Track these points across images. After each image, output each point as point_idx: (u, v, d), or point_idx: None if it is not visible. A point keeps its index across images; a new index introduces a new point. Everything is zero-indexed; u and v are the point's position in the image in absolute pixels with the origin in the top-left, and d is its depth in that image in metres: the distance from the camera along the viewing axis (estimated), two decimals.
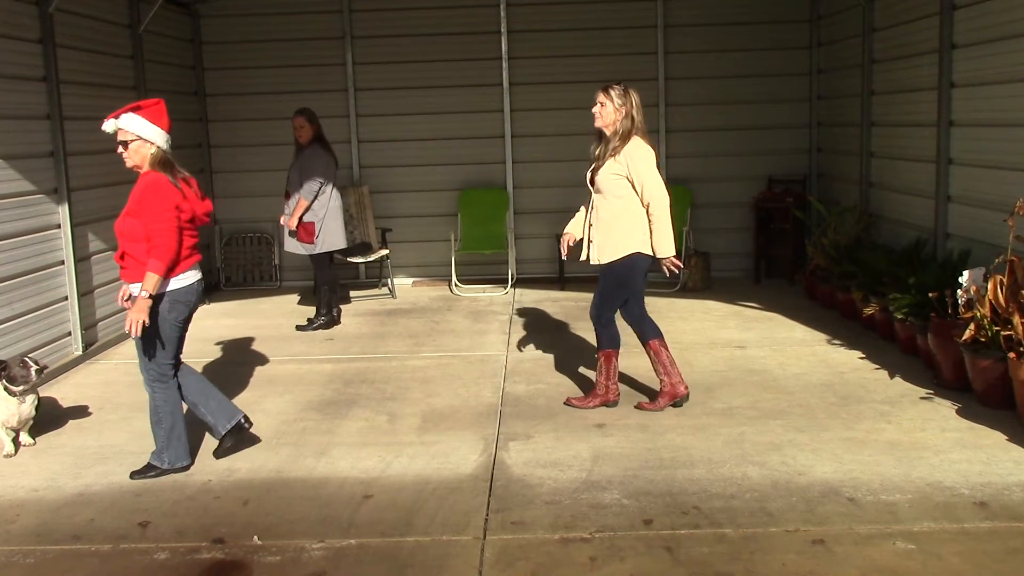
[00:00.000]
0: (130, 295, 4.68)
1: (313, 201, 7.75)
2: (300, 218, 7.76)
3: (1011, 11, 6.17)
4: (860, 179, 8.81)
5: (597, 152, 5.49)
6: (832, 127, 9.76)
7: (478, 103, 10.07)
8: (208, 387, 5.00)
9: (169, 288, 4.62)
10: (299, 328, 8.04)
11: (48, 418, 5.59)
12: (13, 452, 5.15)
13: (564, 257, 6.02)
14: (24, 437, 5.29)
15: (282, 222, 7.96)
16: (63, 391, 6.30)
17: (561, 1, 9.96)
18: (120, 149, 4.64)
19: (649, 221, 5.35)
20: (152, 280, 4.49)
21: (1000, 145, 6.35)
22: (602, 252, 5.48)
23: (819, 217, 9.13)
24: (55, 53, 6.94)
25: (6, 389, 5.09)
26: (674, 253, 5.38)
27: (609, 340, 5.63)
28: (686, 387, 5.64)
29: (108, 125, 4.62)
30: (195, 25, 9.94)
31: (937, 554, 3.75)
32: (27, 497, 4.60)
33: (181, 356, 4.93)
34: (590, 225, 5.53)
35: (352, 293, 9.71)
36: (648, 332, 5.60)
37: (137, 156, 4.63)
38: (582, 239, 5.64)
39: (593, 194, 5.50)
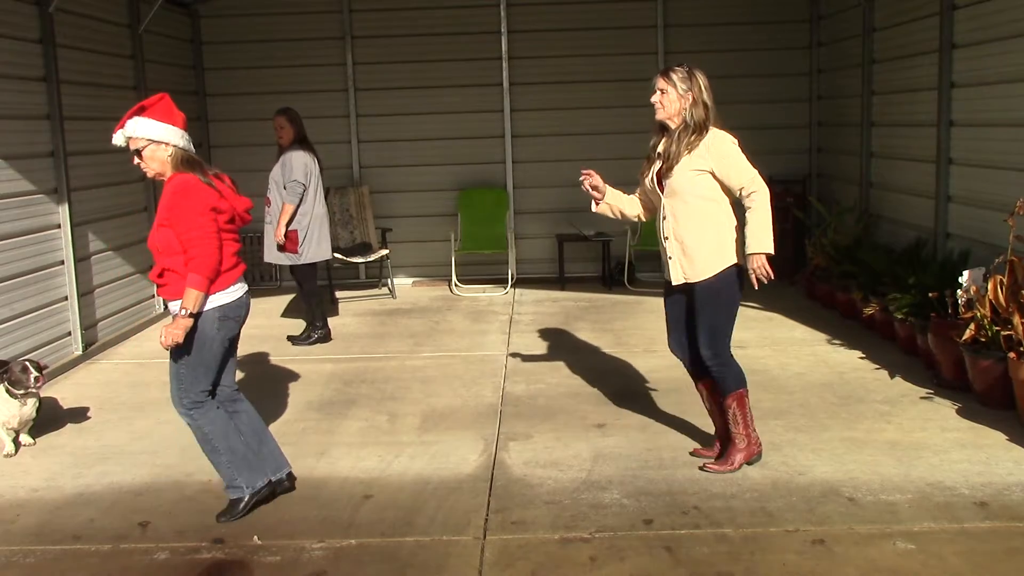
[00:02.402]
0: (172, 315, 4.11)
1: (298, 206, 7.23)
2: (287, 225, 7.23)
3: (1011, 11, 6.17)
4: (860, 179, 8.81)
5: (663, 149, 4.49)
6: (832, 127, 9.76)
7: (478, 103, 10.08)
8: (262, 429, 4.46)
9: (217, 303, 4.04)
10: (292, 340, 7.59)
11: (48, 418, 5.59)
12: (13, 452, 5.15)
13: (587, 184, 4.68)
14: (24, 437, 5.29)
15: (274, 235, 7.30)
16: (63, 391, 6.30)
17: (561, 1, 9.96)
18: (136, 160, 4.11)
19: (747, 212, 4.42)
20: (192, 296, 3.93)
21: (1000, 145, 6.35)
22: (695, 268, 4.47)
23: (819, 217, 9.13)
24: (55, 53, 6.94)
25: (8, 391, 5.09)
26: (771, 250, 4.37)
27: (736, 379, 4.61)
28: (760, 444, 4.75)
29: (117, 138, 4.09)
30: (195, 25, 9.94)
31: (937, 554, 3.75)
32: (27, 497, 4.60)
33: (234, 381, 4.40)
34: (666, 238, 4.52)
35: (352, 293, 9.71)
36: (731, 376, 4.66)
37: (155, 162, 4.07)
38: (606, 203, 4.71)
39: (664, 200, 4.48)
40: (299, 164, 7.21)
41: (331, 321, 8.28)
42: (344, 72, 10.06)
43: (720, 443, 4.77)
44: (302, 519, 4.26)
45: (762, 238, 4.37)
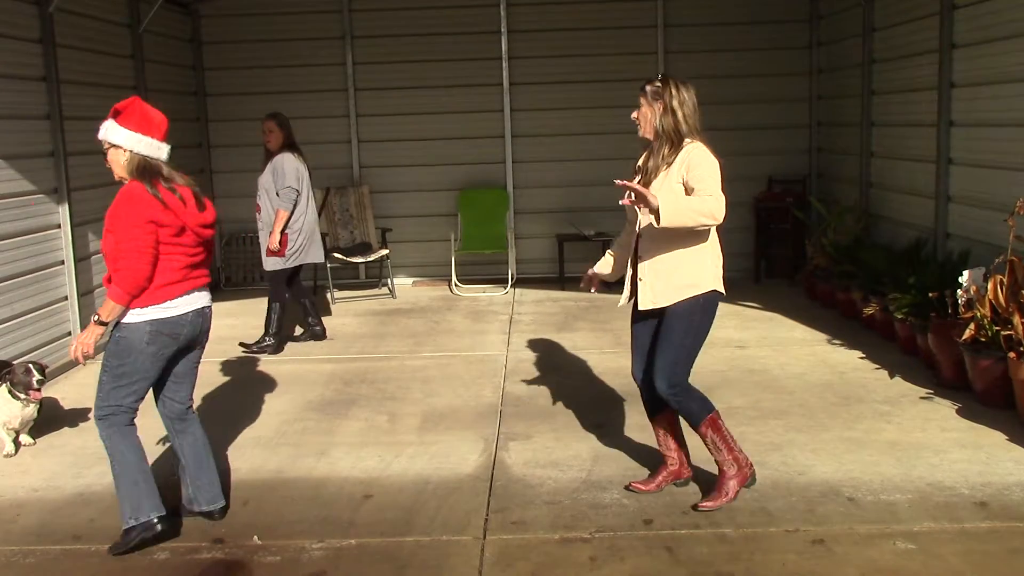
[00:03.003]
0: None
1: (293, 211, 7.11)
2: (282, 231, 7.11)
3: (1011, 11, 6.18)
4: (860, 179, 8.81)
5: (641, 163, 4.23)
6: (832, 127, 9.76)
7: (478, 103, 10.07)
8: (205, 458, 4.28)
9: (149, 317, 3.88)
10: (243, 347, 7.34)
11: (48, 418, 5.59)
12: (13, 452, 5.15)
13: (592, 291, 4.77)
14: (24, 437, 5.29)
15: (268, 242, 7.17)
16: (63, 391, 6.30)
17: (561, 1, 9.95)
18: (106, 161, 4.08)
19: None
20: (108, 308, 3.81)
21: (1000, 145, 6.36)
22: (667, 291, 4.11)
23: (819, 217, 9.14)
24: (55, 53, 6.94)
25: (10, 392, 5.09)
26: (661, 213, 3.78)
27: (700, 405, 4.21)
28: (751, 465, 4.38)
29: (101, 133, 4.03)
30: (195, 25, 9.95)
31: (937, 554, 3.75)
32: (27, 497, 4.60)
33: (190, 401, 4.25)
34: (640, 258, 4.18)
35: (352, 293, 9.71)
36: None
37: (116, 166, 3.99)
38: (619, 279, 4.48)
39: (640, 217, 4.12)
40: (291, 169, 7.08)
41: (329, 321, 8.27)
42: (344, 72, 10.06)
43: (664, 470, 4.45)
44: (302, 519, 4.26)
45: (675, 204, 3.86)
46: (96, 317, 3.87)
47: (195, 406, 4.36)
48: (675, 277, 4.10)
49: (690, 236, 4.05)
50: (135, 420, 4.04)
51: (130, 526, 3.97)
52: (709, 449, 4.27)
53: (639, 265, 4.19)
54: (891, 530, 3.97)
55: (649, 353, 4.27)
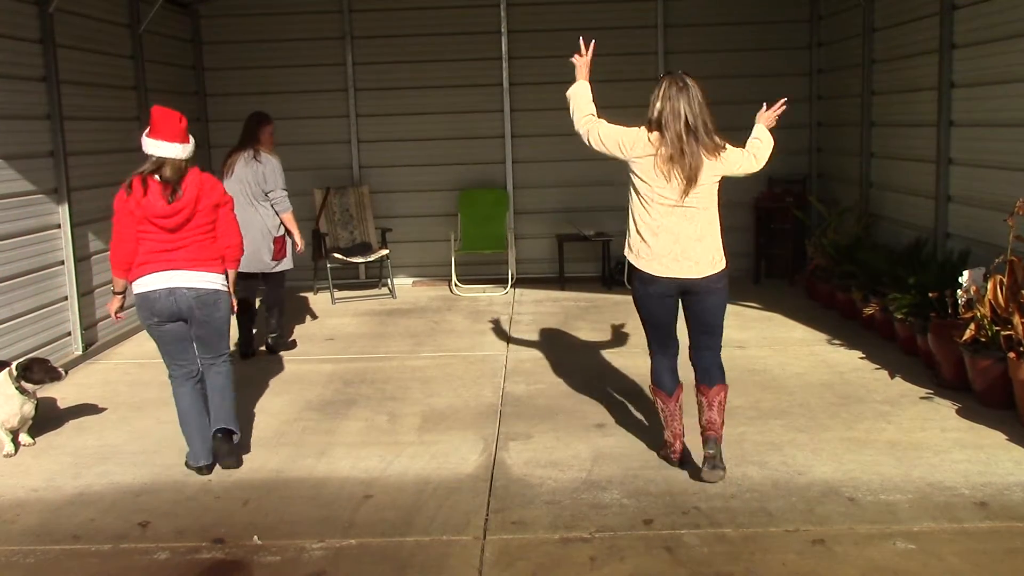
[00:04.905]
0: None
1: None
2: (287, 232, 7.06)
3: (1011, 11, 6.17)
4: (860, 179, 8.81)
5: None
6: (832, 127, 9.76)
7: (478, 103, 10.08)
8: (202, 414, 4.89)
9: (136, 290, 4.68)
10: (271, 349, 7.29)
11: (48, 418, 5.59)
12: (13, 452, 5.15)
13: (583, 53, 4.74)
14: (24, 437, 5.29)
15: (298, 248, 7.12)
16: (63, 391, 6.29)
17: (561, 1, 9.96)
18: None
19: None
20: (112, 276, 4.78)
21: (1000, 145, 6.35)
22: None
23: (819, 217, 9.14)
24: (55, 53, 6.94)
25: (20, 388, 5.10)
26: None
27: (652, 372, 4.75)
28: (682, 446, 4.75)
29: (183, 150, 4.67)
30: (195, 25, 9.94)
31: (937, 554, 3.75)
32: (27, 497, 4.60)
33: (208, 355, 4.87)
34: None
35: (352, 293, 9.71)
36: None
37: None
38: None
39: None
40: (281, 171, 6.97)
41: (332, 321, 8.29)
42: (344, 72, 10.06)
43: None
44: (302, 519, 4.26)
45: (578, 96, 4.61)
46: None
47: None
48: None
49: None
50: (191, 377, 4.84)
51: (186, 462, 4.88)
52: (717, 410, 4.55)
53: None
54: (891, 530, 3.97)
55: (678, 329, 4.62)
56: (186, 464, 4.87)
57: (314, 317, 8.67)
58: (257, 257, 6.85)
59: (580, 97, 4.64)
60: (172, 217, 4.61)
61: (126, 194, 4.59)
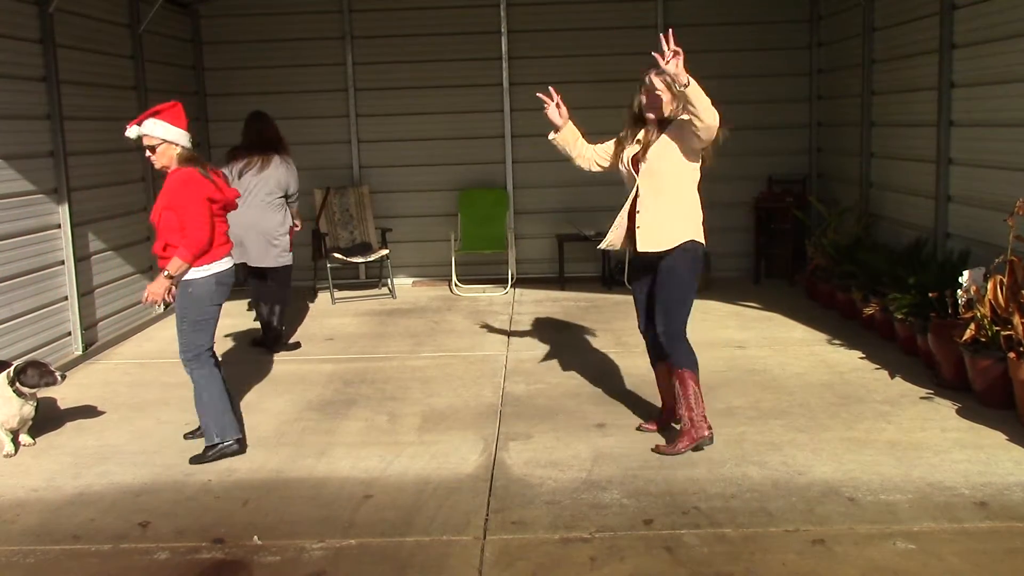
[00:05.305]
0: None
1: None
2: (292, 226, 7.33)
3: (1011, 11, 6.17)
4: (860, 179, 8.81)
5: (643, 140, 4.91)
6: (832, 127, 9.76)
7: (478, 103, 10.07)
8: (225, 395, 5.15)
9: (212, 271, 4.91)
10: (276, 348, 7.36)
11: (48, 418, 5.59)
12: (13, 452, 5.15)
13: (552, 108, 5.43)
14: (24, 437, 5.29)
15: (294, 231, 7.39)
16: (63, 391, 6.27)
17: (561, 1, 9.96)
18: (148, 153, 4.97)
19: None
20: (176, 264, 4.79)
21: (1000, 145, 6.35)
22: (654, 240, 4.76)
23: (819, 217, 9.13)
24: (55, 53, 6.93)
25: (16, 391, 5.09)
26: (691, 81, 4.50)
27: (687, 358, 4.83)
28: (710, 428, 4.92)
29: (131, 131, 4.90)
30: (195, 25, 9.94)
31: (937, 554, 3.75)
32: (27, 497, 4.60)
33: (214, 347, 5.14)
34: (637, 211, 4.80)
35: (352, 293, 9.71)
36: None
37: (164, 158, 4.94)
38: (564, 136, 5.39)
39: (643, 171, 4.80)
40: (295, 172, 7.32)
41: (332, 321, 8.28)
42: (344, 72, 10.05)
43: (662, 419, 5.21)
44: (302, 519, 4.26)
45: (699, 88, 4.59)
46: (165, 272, 4.79)
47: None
48: (667, 226, 4.71)
49: (681, 191, 4.72)
50: (216, 354, 5.10)
51: (214, 443, 4.97)
52: (676, 397, 4.87)
53: (637, 215, 4.77)
54: (891, 530, 3.97)
55: (648, 307, 4.94)
56: (216, 446, 4.97)
57: (314, 317, 8.67)
58: (265, 253, 7.13)
59: (585, 147, 5.39)
60: (239, 197, 5.14)
61: (208, 181, 4.88)
